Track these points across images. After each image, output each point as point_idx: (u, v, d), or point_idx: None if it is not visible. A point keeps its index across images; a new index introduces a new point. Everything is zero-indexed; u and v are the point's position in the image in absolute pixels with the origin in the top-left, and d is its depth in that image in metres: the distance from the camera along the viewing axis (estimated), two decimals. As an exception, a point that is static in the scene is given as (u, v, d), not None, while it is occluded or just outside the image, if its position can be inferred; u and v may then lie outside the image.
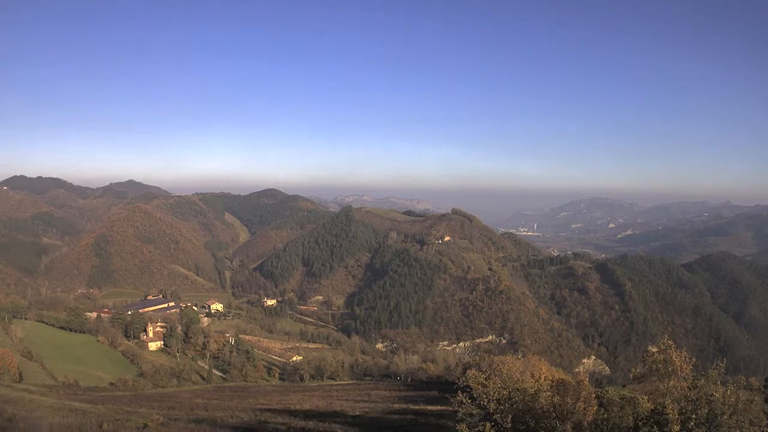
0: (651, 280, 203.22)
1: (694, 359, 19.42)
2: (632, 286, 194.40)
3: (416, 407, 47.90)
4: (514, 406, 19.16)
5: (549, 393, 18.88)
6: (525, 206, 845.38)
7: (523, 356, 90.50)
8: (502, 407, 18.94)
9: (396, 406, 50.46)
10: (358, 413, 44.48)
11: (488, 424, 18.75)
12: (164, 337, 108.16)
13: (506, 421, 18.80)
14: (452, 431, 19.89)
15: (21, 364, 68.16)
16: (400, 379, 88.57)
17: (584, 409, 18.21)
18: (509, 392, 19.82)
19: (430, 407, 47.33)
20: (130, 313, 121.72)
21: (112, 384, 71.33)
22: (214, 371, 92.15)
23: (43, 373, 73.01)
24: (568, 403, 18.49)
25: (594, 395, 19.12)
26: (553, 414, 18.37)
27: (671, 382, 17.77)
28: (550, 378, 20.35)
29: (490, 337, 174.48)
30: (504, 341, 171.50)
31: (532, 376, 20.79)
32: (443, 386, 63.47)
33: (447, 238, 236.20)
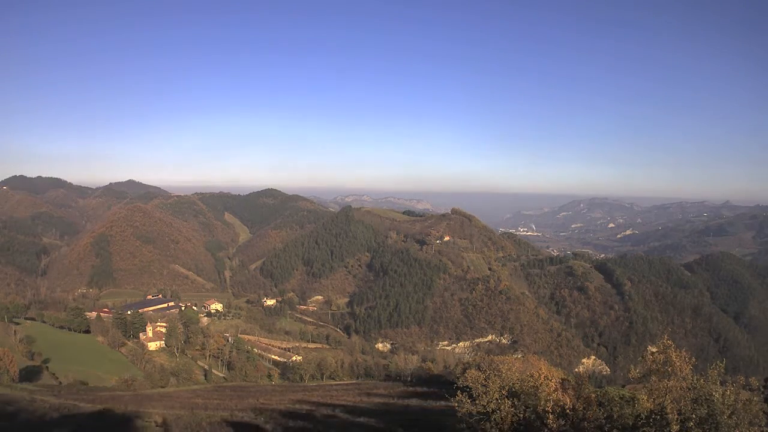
0: (651, 280, 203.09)
1: (693, 359, 19.40)
2: (632, 286, 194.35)
3: (417, 406, 47.93)
4: (515, 405, 19.19)
5: (548, 392, 18.92)
6: (525, 206, 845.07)
7: (522, 356, 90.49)
8: (502, 407, 18.97)
9: (396, 403, 50.53)
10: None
11: (488, 424, 18.79)
12: (164, 336, 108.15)
13: (506, 421, 18.82)
14: (453, 428, 19.94)
15: (21, 364, 68.12)
16: (400, 378, 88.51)
17: (584, 408, 18.23)
18: (509, 391, 19.86)
19: (430, 406, 47.38)
20: (129, 312, 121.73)
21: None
22: (214, 371, 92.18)
23: (43, 373, 73.01)
24: (567, 402, 18.52)
25: (593, 394, 19.15)
26: (553, 413, 18.38)
27: (671, 382, 17.77)
28: (550, 377, 20.38)
29: (490, 336, 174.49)
30: (504, 341, 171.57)
31: (532, 376, 20.81)
32: (443, 386, 63.48)
33: (447, 238, 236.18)
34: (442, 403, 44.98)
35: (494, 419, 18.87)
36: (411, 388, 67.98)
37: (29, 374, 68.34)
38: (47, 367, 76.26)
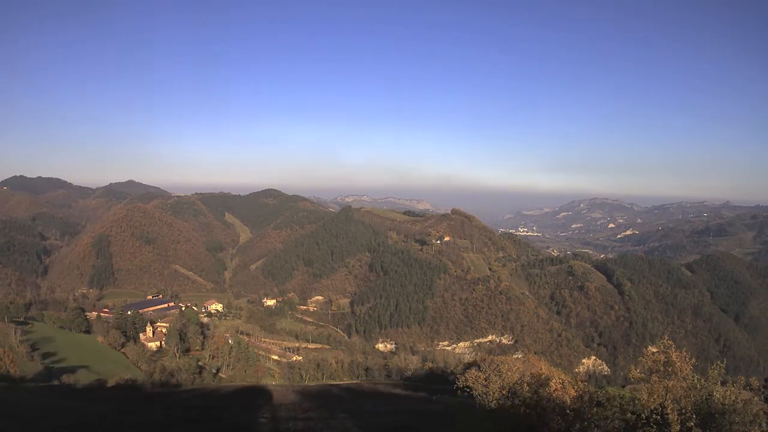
0: (651, 280, 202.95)
1: (694, 359, 19.38)
2: (632, 286, 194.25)
3: (418, 403, 47.98)
4: (515, 405, 19.20)
5: (549, 391, 18.93)
6: (525, 206, 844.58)
7: (523, 356, 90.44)
8: (502, 406, 18.98)
9: (399, 397, 50.60)
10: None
11: (488, 424, 18.80)
12: (164, 337, 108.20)
13: (506, 421, 18.83)
14: (453, 426, 19.95)
15: (20, 365, 68.14)
16: (401, 378, 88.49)
17: (584, 408, 18.25)
18: (509, 391, 19.88)
19: (430, 405, 47.44)
20: (130, 313, 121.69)
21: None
22: (214, 371, 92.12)
23: (43, 374, 72.93)
24: (567, 402, 18.54)
25: (594, 394, 19.16)
26: (553, 413, 18.40)
27: (671, 382, 17.77)
28: (550, 377, 20.40)
29: (491, 336, 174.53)
30: (504, 341, 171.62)
31: (532, 375, 20.83)
32: (444, 385, 63.53)
33: (447, 238, 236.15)
34: (442, 403, 45.10)
35: (494, 419, 18.89)
36: (410, 389, 68.03)
37: (28, 375, 68.29)
38: (52, 368, 76.27)
